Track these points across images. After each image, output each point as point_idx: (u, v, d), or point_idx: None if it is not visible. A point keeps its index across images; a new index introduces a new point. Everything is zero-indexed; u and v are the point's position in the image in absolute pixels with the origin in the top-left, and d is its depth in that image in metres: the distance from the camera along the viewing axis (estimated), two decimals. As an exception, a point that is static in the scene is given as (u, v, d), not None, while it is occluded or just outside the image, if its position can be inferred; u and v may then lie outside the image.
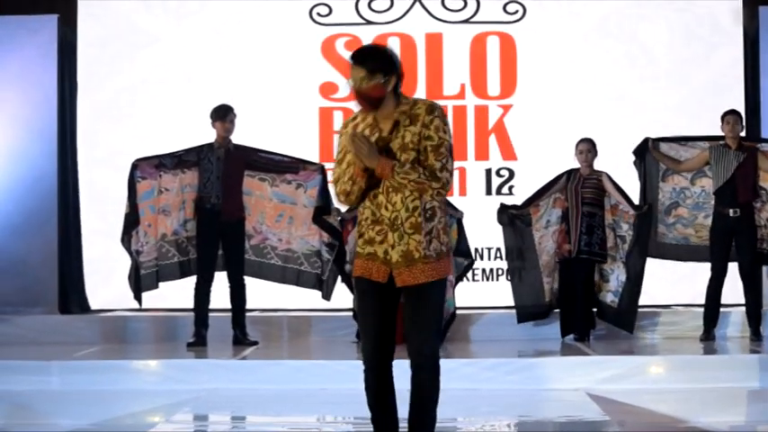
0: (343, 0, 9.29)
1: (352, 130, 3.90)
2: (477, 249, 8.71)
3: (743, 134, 7.92)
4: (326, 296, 7.88)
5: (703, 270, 7.78)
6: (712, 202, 7.73)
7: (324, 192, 7.71)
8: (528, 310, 7.98)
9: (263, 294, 8.25)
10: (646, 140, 7.99)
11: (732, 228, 7.59)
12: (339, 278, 8.04)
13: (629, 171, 8.13)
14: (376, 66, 3.88)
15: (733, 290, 7.81)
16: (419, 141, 3.87)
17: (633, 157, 8.09)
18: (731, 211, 7.57)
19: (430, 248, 3.86)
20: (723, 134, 7.66)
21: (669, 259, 8.12)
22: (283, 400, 6.32)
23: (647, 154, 8.01)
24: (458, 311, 7.90)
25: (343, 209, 7.83)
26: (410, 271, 3.84)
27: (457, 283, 7.87)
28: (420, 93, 8.90)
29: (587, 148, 7.79)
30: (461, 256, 7.87)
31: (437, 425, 3.95)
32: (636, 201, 7.89)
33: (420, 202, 3.86)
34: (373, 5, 9.31)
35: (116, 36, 9.24)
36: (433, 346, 3.92)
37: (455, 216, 7.72)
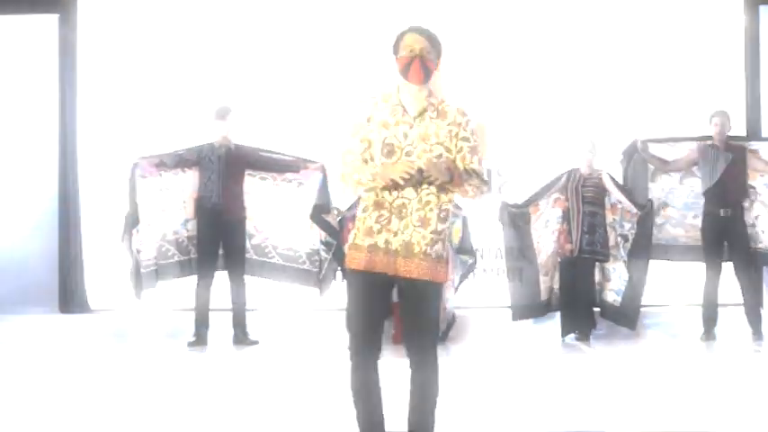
0: (343, -1, 9.32)
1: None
2: (477, 249, 8.71)
3: (743, 134, 7.92)
4: (321, 294, 7.89)
5: (703, 269, 7.77)
6: (701, 201, 7.72)
7: (323, 190, 7.71)
8: (523, 308, 7.98)
9: (263, 294, 8.26)
10: (635, 142, 7.98)
11: (723, 227, 7.58)
12: (339, 276, 8.06)
13: (628, 171, 8.14)
14: (435, 44, 3.89)
15: (733, 289, 7.80)
16: (448, 137, 3.86)
17: (620, 158, 8.09)
18: (722, 211, 7.56)
19: (432, 248, 3.83)
20: (711, 135, 7.65)
21: (659, 260, 8.07)
22: (283, 400, 6.32)
23: (635, 155, 8.00)
24: (458, 311, 7.89)
25: (344, 207, 7.85)
26: (405, 263, 3.81)
27: (461, 282, 7.86)
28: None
29: (588, 147, 7.79)
30: (465, 254, 7.87)
31: (436, 424, 3.95)
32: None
33: (436, 199, 3.84)
34: (373, 5, 9.32)
35: (116, 36, 9.24)
36: (432, 346, 3.91)
37: (459, 214, 7.71)
